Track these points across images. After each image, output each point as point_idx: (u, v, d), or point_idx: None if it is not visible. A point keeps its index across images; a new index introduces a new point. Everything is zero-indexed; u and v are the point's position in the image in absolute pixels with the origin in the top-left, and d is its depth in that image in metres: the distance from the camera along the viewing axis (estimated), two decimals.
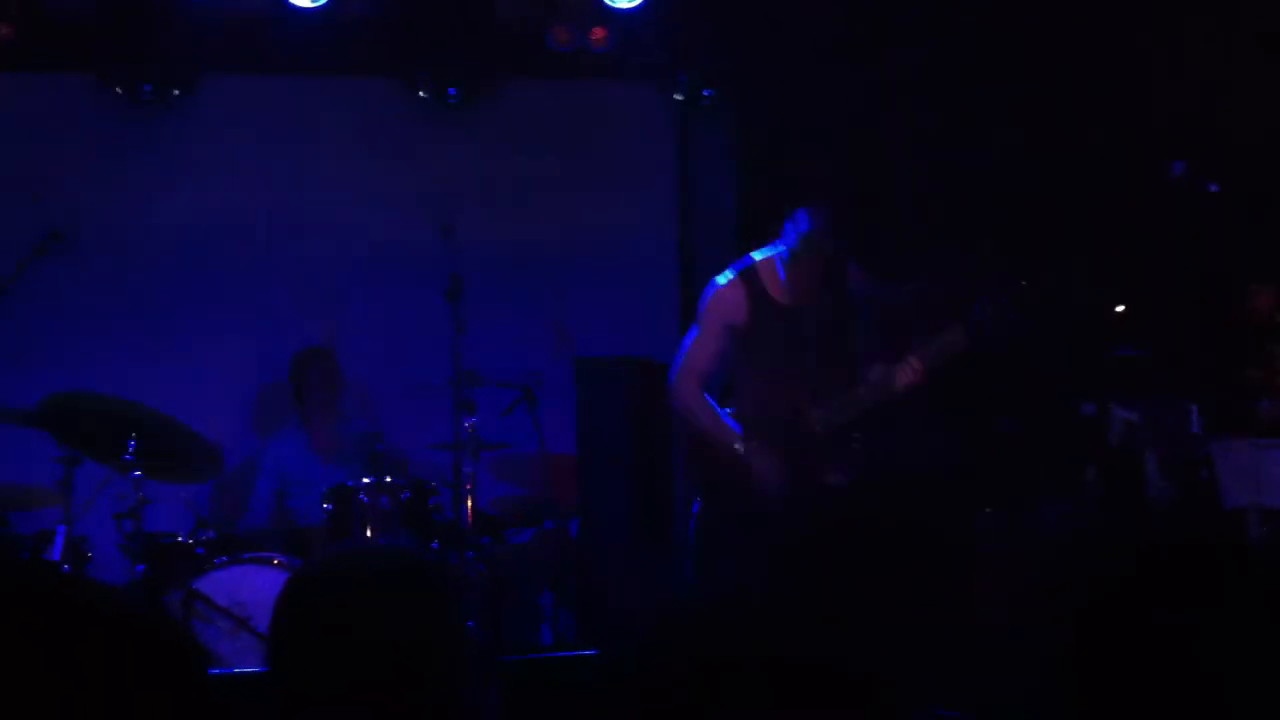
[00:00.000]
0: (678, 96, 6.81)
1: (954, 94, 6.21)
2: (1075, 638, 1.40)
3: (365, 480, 5.09)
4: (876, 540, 2.23)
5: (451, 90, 6.66)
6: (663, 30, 6.52)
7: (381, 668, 1.66)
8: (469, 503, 5.22)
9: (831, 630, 1.41)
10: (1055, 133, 6.13)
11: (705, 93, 6.78)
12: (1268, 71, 5.60)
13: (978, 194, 6.18)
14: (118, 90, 6.40)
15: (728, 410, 4.73)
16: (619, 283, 6.82)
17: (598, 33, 6.44)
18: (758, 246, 4.91)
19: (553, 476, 5.80)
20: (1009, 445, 5.83)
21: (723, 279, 4.68)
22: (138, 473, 4.76)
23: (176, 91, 6.44)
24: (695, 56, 6.71)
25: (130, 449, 4.76)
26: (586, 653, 4.16)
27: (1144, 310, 5.86)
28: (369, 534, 4.92)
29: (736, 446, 4.56)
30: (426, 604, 1.74)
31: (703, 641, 1.37)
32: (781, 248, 4.66)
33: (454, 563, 4.97)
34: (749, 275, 4.64)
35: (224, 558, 4.81)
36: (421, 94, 6.66)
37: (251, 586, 4.66)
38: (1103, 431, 5.36)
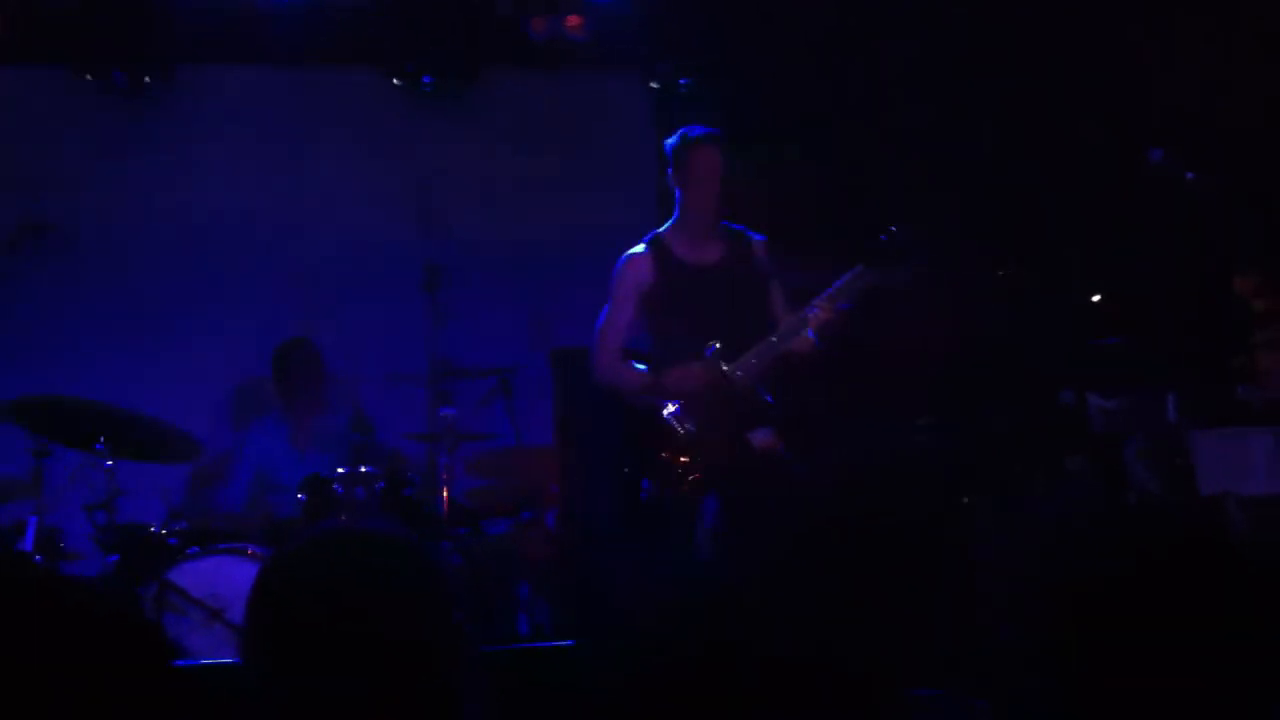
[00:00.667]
0: (654, 85, 6.78)
1: (938, 85, 6.21)
2: (1066, 630, 1.39)
3: (340, 470, 5.06)
4: (861, 533, 2.22)
5: (431, 80, 6.62)
6: (640, 19, 6.50)
7: (366, 656, 1.61)
8: (445, 493, 5.19)
9: (800, 615, 1.40)
10: (1035, 124, 6.14)
11: (682, 81, 6.76)
12: (1256, 60, 5.61)
13: (960, 186, 6.17)
14: (102, 83, 6.35)
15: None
16: (598, 272, 6.78)
17: (573, 20, 6.42)
18: None
19: (529, 467, 5.77)
20: (992, 436, 5.84)
21: (632, 250, 4.75)
22: (109, 463, 4.71)
23: (159, 83, 6.39)
24: (673, 45, 6.69)
25: (101, 439, 4.72)
26: (565, 643, 4.14)
27: (1122, 299, 5.87)
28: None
29: (651, 379, 4.57)
30: (414, 589, 1.68)
31: (679, 630, 1.35)
32: (675, 202, 4.72)
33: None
34: (655, 241, 4.72)
35: (197, 549, 4.76)
36: (396, 81, 6.62)
37: (225, 577, 4.62)
38: (1083, 421, 5.37)
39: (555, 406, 6.45)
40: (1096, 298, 5.84)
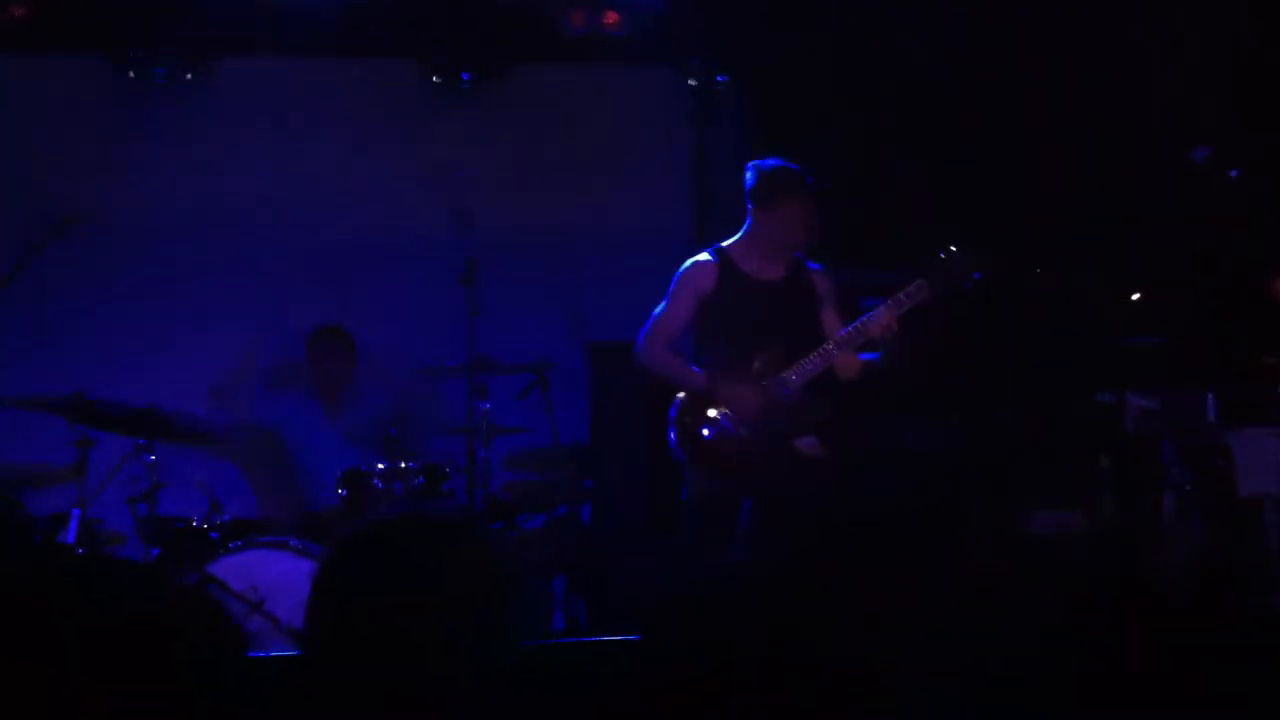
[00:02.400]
0: (692, 82, 6.78)
1: (975, 81, 6.18)
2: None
3: (379, 465, 5.10)
4: (889, 532, 2.22)
5: (465, 74, 6.65)
6: (677, 15, 6.49)
7: (427, 638, 1.61)
8: (482, 488, 5.22)
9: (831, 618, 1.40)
10: (1074, 120, 6.10)
11: (719, 78, 6.76)
12: None
13: (994, 183, 6.14)
14: (131, 74, 6.40)
15: None
16: (632, 267, 6.80)
17: (611, 16, 6.42)
18: None
19: (565, 462, 5.79)
20: (1023, 435, 5.81)
21: (698, 256, 4.84)
22: (152, 456, 4.77)
23: (189, 75, 6.44)
24: (709, 42, 6.68)
25: (143, 437, 4.79)
26: (599, 639, 4.16)
27: (1161, 298, 5.83)
28: None
29: (707, 384, 4.65)
30: (477, 572, 1.68)
31: (708, 626, 1.35)
32: (746, 221, 4.79)
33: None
34: (721, 252, 4.81)
35: (238, 542, 4.81)
36: (435, 78, 6.65)
37: (265, 571, 4.66)
38: (1119, 420, 5.34)
39: (591, 401, 6.47)
40: (1135, 296, 5.80)
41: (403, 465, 5.10)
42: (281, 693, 1.57)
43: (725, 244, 4.85)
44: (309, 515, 5.43)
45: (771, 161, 4.77)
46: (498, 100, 6.75)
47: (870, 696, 1.35)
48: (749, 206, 4.80)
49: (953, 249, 4.60)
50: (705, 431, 4.65)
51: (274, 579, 4.59)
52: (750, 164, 4.80)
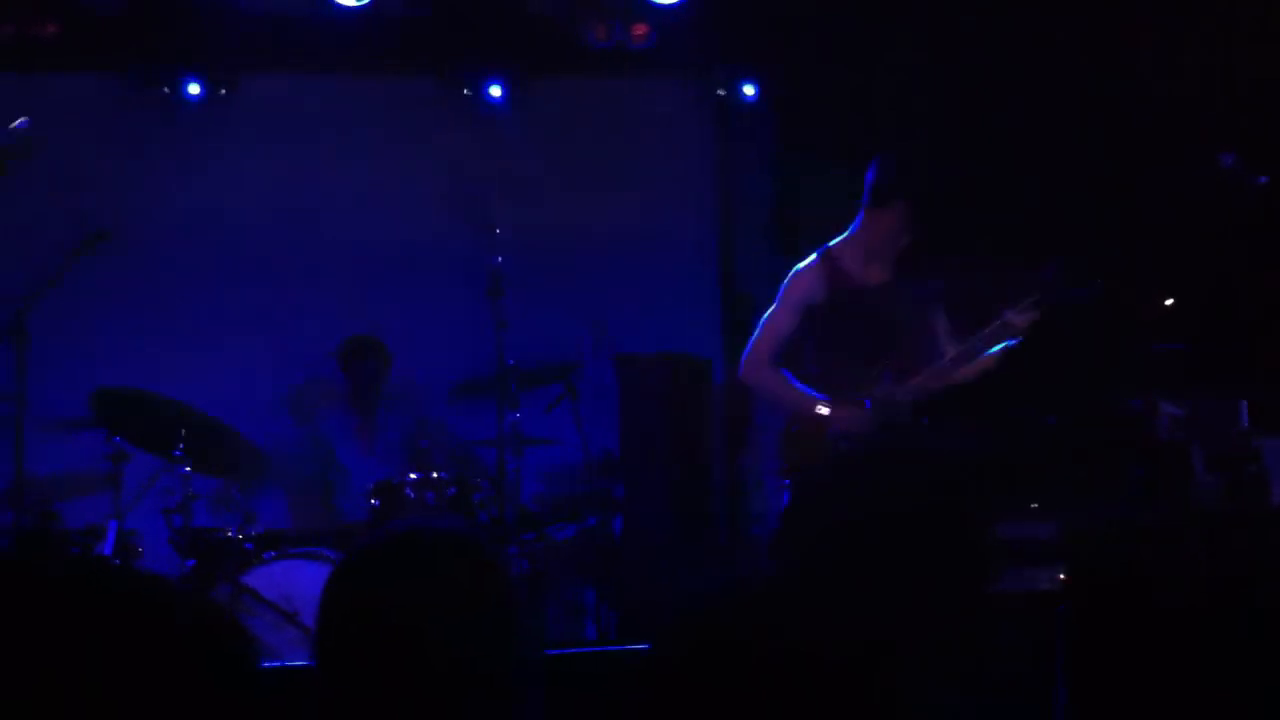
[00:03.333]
0: (720, 92, 6.80)
1: (999, 89, 6.17)
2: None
3: (411, 476, 5.13)
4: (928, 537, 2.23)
5: (490, 88, 6.70)
6: (703, 26, 6.52)
7: (430, 655, 1.64)
8: (512, 499, 5.24)
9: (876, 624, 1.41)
10: (1104, 127, 6.08)
11: (745, 88, 6.77)
12: None
13: (1024, 191, 6.13)
14: (164, 90, 6.48)
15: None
16: (659, 279, 6.83)
17: (639, 29, 6.44)
18: (796, 241, 4.91)
19: (595, 473, 5.82)
20: (1054, 440, 5.79)
21: (803, 263, 4.71)
22: (187, 468, 4.82)
23: (223, 91, 6.51)
24: (736, 53, 6.70)
25: (180, 446, 4.83)
26: (630, 647, 4.17)
27: (1193, 304, 5.80)
28: None
29: (820, 409, 4.54)
30: (483, 586, 1.69)
31: (750, 632, 1.36)
32: (856, 220, 4.67)
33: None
34: (827, 257, 4.67)
35: (272, 553, 4.86)
36: (465, 91, 6.70)
37: (298, 581, 4.70)
38: (1149, 427, 5.31)
39: (620, 412, 6.49)
40: (1169, 302, 5.78)
41: (434, 476, 5.13)
42: (296, 703, 1.59)
43: (832, 244, 4.70)
44: (342, 526, 5.47)
45: (892, 157, 4.65)
46: (524, 113, 6.79)
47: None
48: (864, 203, 4.66)
49: (1058, 263, 4.50)
50: (818, 454, 4.52)
51: (307, 589, 4.63)
52: (875, 159, 4.66)
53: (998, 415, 5.79)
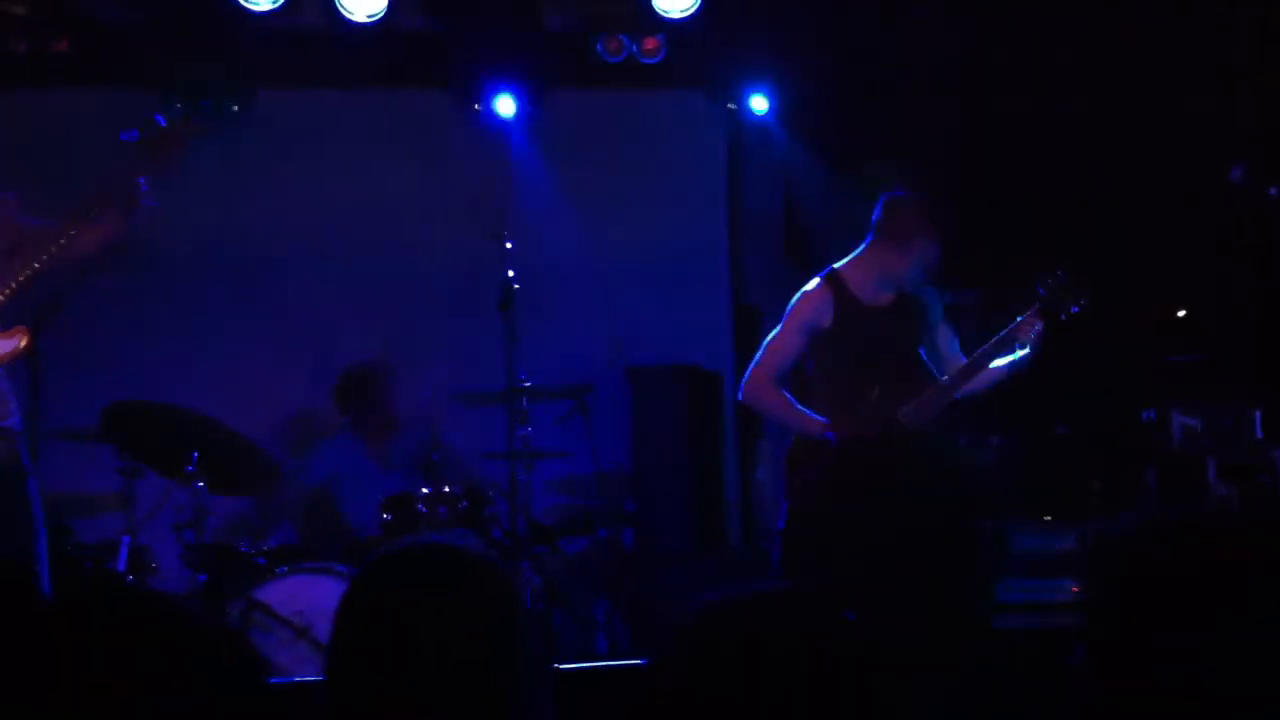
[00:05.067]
0: (731, 106, 6.81)
1: (1011, 99, 6.17)
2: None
3: (424, 490, 5.13)
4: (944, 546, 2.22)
5: (501, 101, 6.71)
6: (714, 40, 6.52)
7: (444, 673, 1.64)
8: (524, 512, 5.24)
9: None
10: (1116, 139, 6.08)
11: (756, 102, 6.78)
12: None
13: (1037, 202, 6.13)
14: (179, 105, 6.49)
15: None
16: (670, 292, 6.83)
17: (650, 43, 6.45)
18: (807, 254, 4.90)
19: (606, 486, 5.81)
20: (1068, 452, 5.78)
21: (810, 284, 4.69)
22: (200, 484, 4.82)
23: (236, 107, 6.52)
24: (747, 66, 6.71)
25: (193, 460, 4.83)
26: (641, 662, 4.16)
27: (1206, 315, 5.79)
28: None
29: (823, 431, 4.51)
30: (492, 605, 1.69)
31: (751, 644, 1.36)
32: (863, 244, 4.67)
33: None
34: (833, 278, 4.65)
35: (284, 568, 4.85)
36: (476, 105, 6.71)
37: (311, 596, 4.70)
38: (1163, 437, 5.30)
39: (632, 424, 6.49)
40: (1181, 313, 5.77)
41: (446, 490, 5.13)
42: (308, 719, 1.59)
43: (838, 265, 4.67)
44: (354, 540, 5.47)
45: (904, 202, 4.62)
46: (536, 127, 6.80)
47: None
48: (871, 235, 4.65)
49: (1057, 274, 4.44)
50: (821, 476, 4.50)
51: (320, 604, 4.63)
52: (884, 196, 4.65)
53: (1010, 427, 5.78)
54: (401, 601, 1.68)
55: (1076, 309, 4.45)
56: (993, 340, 4.46)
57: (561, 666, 4.28)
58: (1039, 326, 4.41)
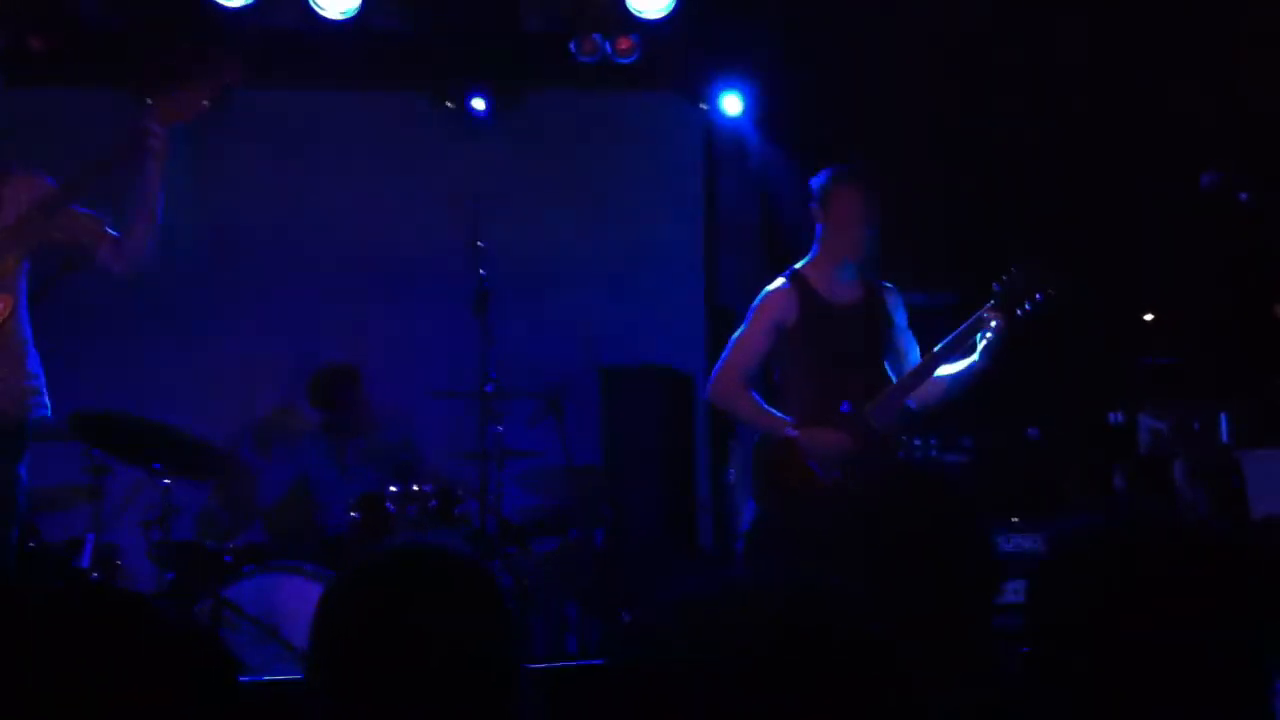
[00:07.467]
0: (703, 106, 6.82)
1: (987, 101, 6.21)
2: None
3: (393, 489, 5.11)
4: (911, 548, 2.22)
5: (478, 102, 6.70)
6: (689, 40, 6.54)
7: (428, 674, 1.64)
8: (494, 511, 5.23)
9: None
10: (1088, 143, 6.12)
11: (731, 102, 6.80)
12: None
13: (1008, 203, 6.17)
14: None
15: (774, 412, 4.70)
16: (644, 292, 6.84)
17: (624, 43, 6.46)
18: (782, 255, 4.90)
19: (578, 485, 5.81)
20: (1037, 453, 5.81)
21: (774, 284, 4.69)
22: (167, 481, 4.79)
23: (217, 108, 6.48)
24: (722, 67, 6.73)
25: (159, 461, 4.80)
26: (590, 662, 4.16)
27: (1174, 319, 5.83)
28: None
29: (787, 431, 4.53)
30: (478, 607, 1.70)
31: (713, 642, 1.36)
32: (814, 241, 4.67)
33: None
34: (797, 278, 4.65)
35: (252, 566, 4.83)
36: (449, 105, 6.70)
37: (280, 595, 4.68)
38: (1131, 440, 5.34)
39: (603, 424, 6.49)
40: (1149, 317, 5.81)
41: (415, 489, 5.12)
42: (278, 718, 1.58)
43: (799, 265, 4.68)
44: (324, 539, 5.45)
45: (827, 175, 4.60)
46: (512, 127, 6.80)
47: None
48: (813, 212, 4.64)
49: (1014, 269, 4.44)
50: (792, 477, 4.49)
51: (289, 603, 4.61)
52: (811, 182, 4.64)
53: (979, 429, 5.81)
54: (391, 604, 1.68)
55: (1031, 305, 4.45)
56: (952, 335, 4.48)
57: (532, 666, 4.27)
58: (998, 322, 4.42)
